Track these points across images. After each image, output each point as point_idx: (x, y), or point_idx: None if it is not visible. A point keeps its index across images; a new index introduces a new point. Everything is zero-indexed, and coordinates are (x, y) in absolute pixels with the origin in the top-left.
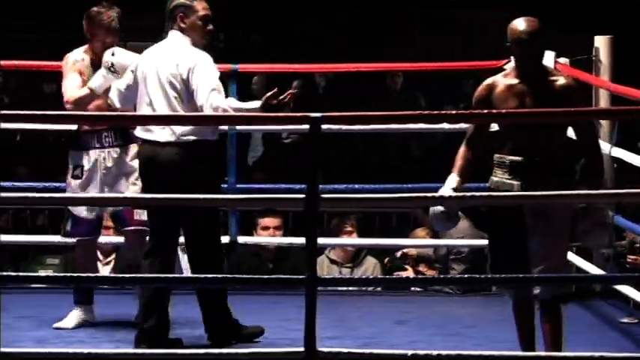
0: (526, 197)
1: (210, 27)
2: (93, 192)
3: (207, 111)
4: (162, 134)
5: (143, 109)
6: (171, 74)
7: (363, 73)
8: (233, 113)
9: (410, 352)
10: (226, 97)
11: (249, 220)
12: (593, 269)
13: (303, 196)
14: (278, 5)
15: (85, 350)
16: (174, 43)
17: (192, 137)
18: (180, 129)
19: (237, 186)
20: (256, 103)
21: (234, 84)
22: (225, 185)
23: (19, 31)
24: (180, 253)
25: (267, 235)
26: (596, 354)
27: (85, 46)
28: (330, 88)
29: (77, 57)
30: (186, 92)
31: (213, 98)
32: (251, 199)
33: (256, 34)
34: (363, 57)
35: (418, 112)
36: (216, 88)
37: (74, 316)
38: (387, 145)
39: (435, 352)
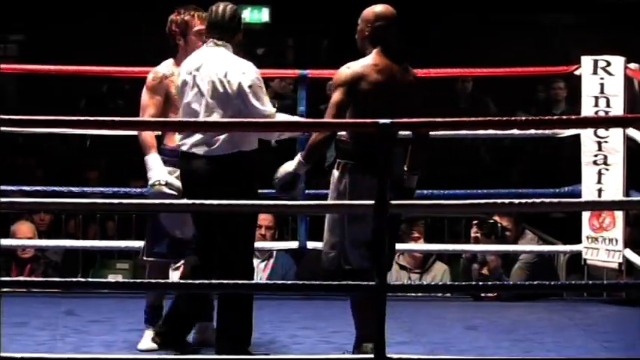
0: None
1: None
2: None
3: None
4: (199, 147)
5: (182, 117)
6: (216, 82)
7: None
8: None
9: (479, 358)
10: (296, 103)
11: (318, 226)
12: None
13: (372, 202)
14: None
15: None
16: (222, 54)
17: (228, 150)
18: (216, 141)
19: (307, 192)
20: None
21: (304, 90)
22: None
23: None
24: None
25: None
26: None
27: (171, 60)
28: None
29: (166, 71)
30: (234, 103)
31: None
32: (320, 205)
33: (326, 39)
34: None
35: (488, 118)
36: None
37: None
38: (456, 151)
39: (504, 358)
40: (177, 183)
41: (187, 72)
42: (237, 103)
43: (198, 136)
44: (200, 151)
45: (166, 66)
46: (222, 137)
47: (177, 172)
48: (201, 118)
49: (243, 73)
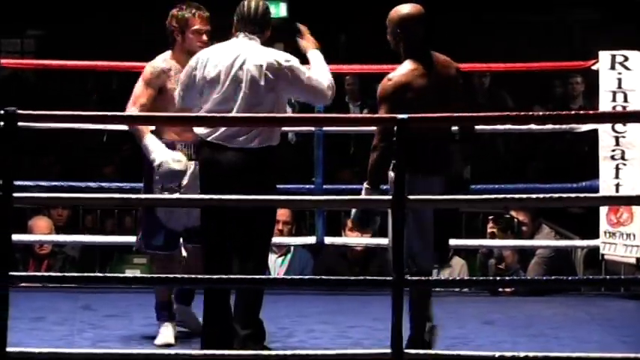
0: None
1: None
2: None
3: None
4: (229, 138)
5: (212, 109)
6: (254, 73)
7: None
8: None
9: (497, 354)
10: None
11: (336, 221)
12: None
13: (389, 197)
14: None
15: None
16: (257, 47)
17: (261, 144)
18: (250, 134)
19: (324, 187)
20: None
21: None
22: (313, 186)
23: None
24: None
25: (355, 237)
26: None
27: (168, 53)
28: None
29: (164, 66)
30: (269, 91)
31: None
32: (338, 200)
33: (344, 34)
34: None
35: (506, 113)
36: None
37: (169, 331)
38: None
39: (522, 354)
40: (183, 157)
41: (224, 64)
42: (284, 86)
43: (227, 128)
44: (230, 143)
45: (164, 60)
46: (255, 130)
47: (193, 164)
48: (236, 111)
49: (284, 59)
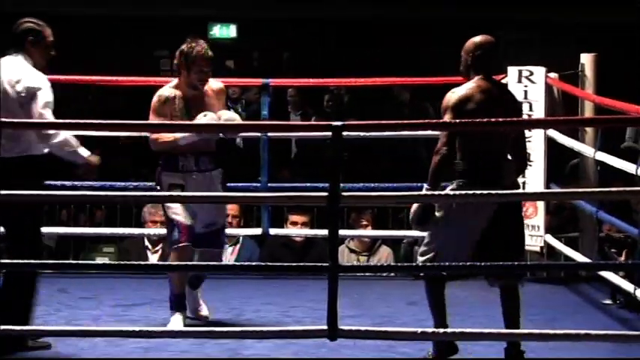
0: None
1: (53, 52)
2: (192, 211)
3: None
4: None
5: None
6: (10, 92)
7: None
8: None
9: (419, 330)
10: (259, 108)
11: (279, 214)
12: (579, 257)
13: (326, 193)
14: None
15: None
16: (16, 63)
17: (18, 154)
18: (6, 147)
19: (269, 185)
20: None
21: (267, 96)
22: (259, 184)
23: None
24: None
25: (296, 229)
26: (582, 331)
27: (176, 81)
28: (354, 100)
29: (169, 95)
30: (22, 109)
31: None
32: (282, 196)
33: (287, 52)
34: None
35: (427, 120)
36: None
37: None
38: (398, 151)
39: (440, 330)
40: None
41: None
42: (23, 107)
43: None
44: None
45: (169, 88)
46: (13, 142)
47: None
48: None
49: (17, 84)
